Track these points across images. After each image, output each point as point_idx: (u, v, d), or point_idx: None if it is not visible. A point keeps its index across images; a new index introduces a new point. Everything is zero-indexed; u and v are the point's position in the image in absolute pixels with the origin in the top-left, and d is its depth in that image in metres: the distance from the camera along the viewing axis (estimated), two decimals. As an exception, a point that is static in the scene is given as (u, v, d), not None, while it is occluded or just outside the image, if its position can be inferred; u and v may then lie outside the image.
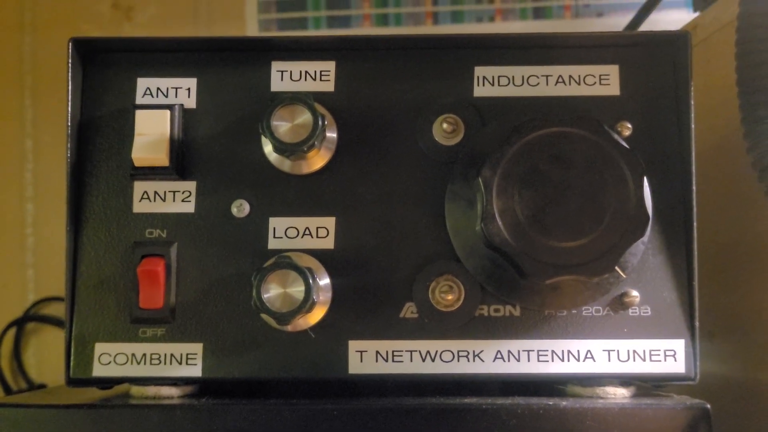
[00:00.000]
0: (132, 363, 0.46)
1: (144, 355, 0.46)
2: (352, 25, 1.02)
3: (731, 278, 0.60)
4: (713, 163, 0.60)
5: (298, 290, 0.42)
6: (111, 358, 0.46)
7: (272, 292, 0.43)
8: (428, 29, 1.02)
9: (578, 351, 0.46)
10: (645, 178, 0.43)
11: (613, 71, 0.48)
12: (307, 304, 0.42)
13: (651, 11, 0.76)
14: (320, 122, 0.44)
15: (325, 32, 1.02)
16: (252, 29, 1.02)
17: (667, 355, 0.46)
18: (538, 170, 0.43)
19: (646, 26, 0.78)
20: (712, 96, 0.59)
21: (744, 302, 0.58)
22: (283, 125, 0.44)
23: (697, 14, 0.68)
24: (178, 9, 1.03)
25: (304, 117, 0.44)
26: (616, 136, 0.43)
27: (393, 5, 1.02)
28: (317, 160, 0.47)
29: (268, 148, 0.47)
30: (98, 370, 0.46)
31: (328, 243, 0.47)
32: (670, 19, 0.97)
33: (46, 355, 1.01)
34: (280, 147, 0.44)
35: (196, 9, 1.03)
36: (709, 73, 0.61)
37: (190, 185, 0.47)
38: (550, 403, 0.43)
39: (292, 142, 0.44)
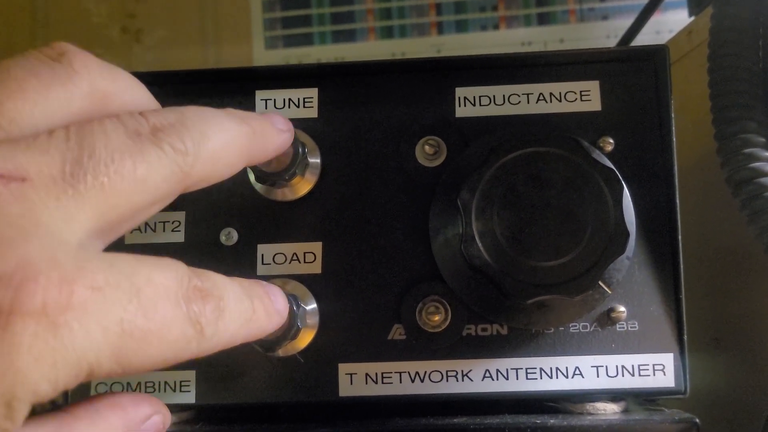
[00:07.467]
0: (128, 391, 0.47)
1: (139, 383, 0.47)
2: (357, 39, 1.02)
3: (734, 283, 0.60)
4: (717, 166, 0.59)
5: (282, 318, 0.43)
6: (107, 387, 0.47)
7: (257, 320, 0.43)
8: (433, 39, 1.02)
9: (566, 368, 0.46)
10: (625, 194, 0.43)
11: (593, 87, 0.48)
12: (291, 331, 0.43)
13: (652, 14, 0.76)
14: (300, 150, 0.44)
15: (328, 48, 1.02)
16: (258, 47, 1.03)
17: (656, 370, 0.46)
18: (516, 191, 0.43)
19: (649, 27, 0.78)
20: (707, 100, 0.59)
21: (748, 307, 0.58)
22: (264, 155, 0.44)
23: (692, 19, 0.67)
24: (186, 30, 1.05)
25: (285, 146, 0.45)
26: (593, 154, 0.43)
27: (397, 17, 1.02)
28: (302, 186, 0.47)
29: (253, 176, 0.48)
30: (95, 400, 0.47)
31: (316, 268, 0.47)
32: (676, 18, 0.96)
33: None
34: (262, 177, 0.45)
35: (204, 29, 1.05)
36: (704, 78, 0.61)
37: (180, 215, 0.48)
38: (538, 421, 0.43)
39: (274, 172, 0.44)
